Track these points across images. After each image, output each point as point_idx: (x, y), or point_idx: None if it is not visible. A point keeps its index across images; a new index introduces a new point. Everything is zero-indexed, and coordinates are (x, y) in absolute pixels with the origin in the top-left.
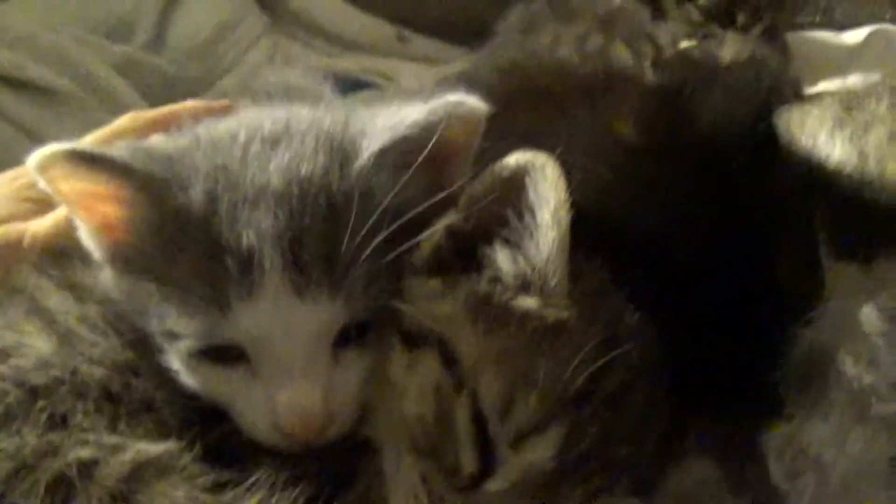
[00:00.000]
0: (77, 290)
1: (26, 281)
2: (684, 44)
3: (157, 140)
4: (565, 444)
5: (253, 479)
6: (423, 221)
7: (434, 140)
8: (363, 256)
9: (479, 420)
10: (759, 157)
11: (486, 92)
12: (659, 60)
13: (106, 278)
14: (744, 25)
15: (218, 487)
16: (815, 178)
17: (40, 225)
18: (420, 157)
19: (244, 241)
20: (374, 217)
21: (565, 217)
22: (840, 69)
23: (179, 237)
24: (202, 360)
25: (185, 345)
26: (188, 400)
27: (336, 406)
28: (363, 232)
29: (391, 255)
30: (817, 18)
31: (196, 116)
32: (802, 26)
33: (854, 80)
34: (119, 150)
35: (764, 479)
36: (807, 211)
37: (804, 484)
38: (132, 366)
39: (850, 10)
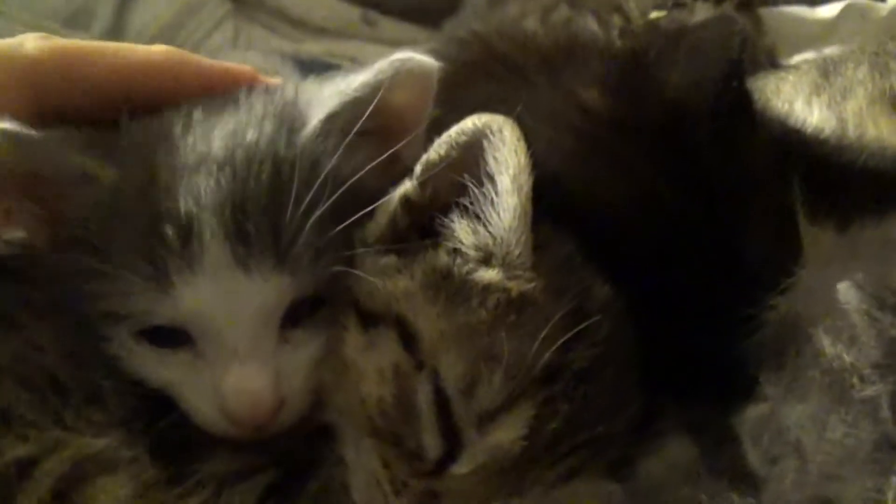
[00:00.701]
0: (20, 276)
1: None
2: (654, 14)
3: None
4: (534, 424)
5: (201, 474)
6: (376, 194)
7: (380, 95)
8: (309, 226)
9: (441, 401)
10: (731, 120)
11: (446, 62)
12: (627, 30)
13: (47, 265)
14: None
15: (165, 482)
16: (791, 143)
17: None
18: (367, 111)
19: (183, 208)
20: (320, 184)
21: (527, 182)
22: (815, 43)
23: (118, 214)
24: (144, 343)
25: (125, 327)
26: (136, 388)
27: (286, 389)
28: (309, 200)
29: (341, 227)
30: None
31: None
32: (776, 2)
33: (830, 52)
34: (54, 134)
35: (739, 463)
36: (783, 176)
37: (784, 469)
38: (78, 354)
39: None
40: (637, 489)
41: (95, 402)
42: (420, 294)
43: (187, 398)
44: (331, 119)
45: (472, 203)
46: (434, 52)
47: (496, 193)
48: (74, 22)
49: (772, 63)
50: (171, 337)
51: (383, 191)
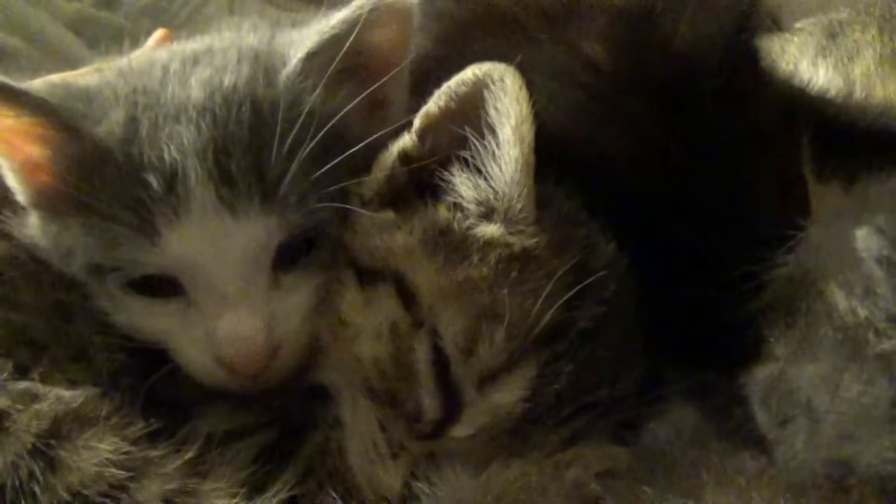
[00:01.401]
0: (7, 237)
1: None
2: None
3: (83, 74)
4: (537, 385)
5: (188, 430)
6: (362, 136)
7: (361, 33)
8: (294, 165)
9: (440, 360)
10: (739, 75)
11: (444, 20)
12: None
13: (33, 223)
14: None
15: (151, 438)
16: (797, 101)
17: None
18: (345, 45)
19: (166, 156)
20: (302, 123)
21: (529, 132)
22: (822, 7)
23: (102, 167)
24: (133, 294)
25: (113, 279)
26: (126, 343)
27: (280, 334)
28: (292, 139)
29: (327, 166)
30: None
31: None
32: None
33: (837, 15)
34: (36, 85)
35: (748, 426)
36: (790, 133)
37: (794, 431)
38: (65, 310)
39: None
40: (643, 452)
41: (81, 358)
42: (419, 250)
43: (180, 348)
44: (311, 57)
45: (472, 156)
46: (432, 11)
47: (497, 146)
48: None
49: (777, 25)
50: (160, 286)
51: (369, 133)
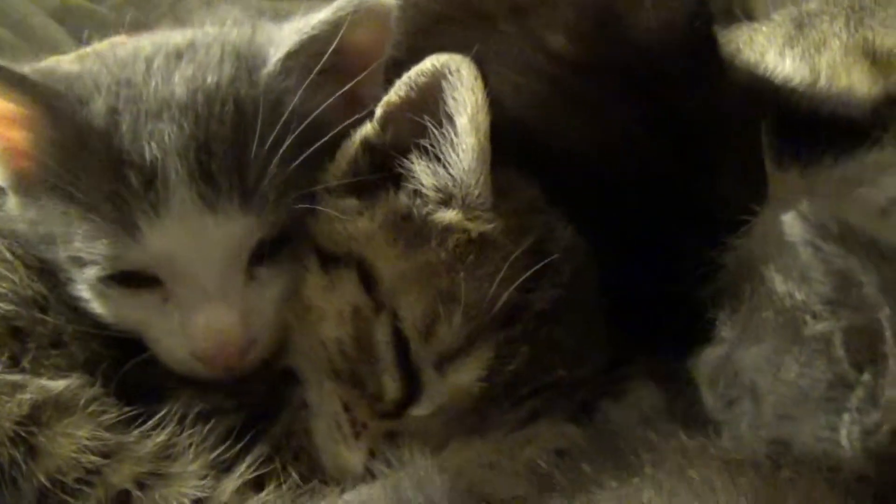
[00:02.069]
0: None
1: None
2: None
3: (67, 60)
4: (494, 365)
5: (161, 413)
6: (338, 135)
7: (341, 34)
8: (274, 164)
9: (400, 342)
10: (699, 64)
11: (418, 12)
12: None
13: (11, 208)
14: None
15: (124, 424)
16: (761, 90)
17: None
18: (328, 51)
19: (147, 153)
20: (283, 122)
21: (484, 121)
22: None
23: (82, 155)
24: (112, 285)
25: (93, 271)
26: (100, 331)
27: (255, 326)
28: (273, 138)
29: (305, 164)
30: None
31: None
32: None
33: (809, 6)
34: (20, 67)
35: (696, 407)
36: (751, 120)
37: (740, 412)
38: (41, 300)
39: None
40: (595, 432)
41: (58, 346)
42: (380, 235)
43: (156, 339)
44: (290, 57)
45: (431, 144)
46: (405, 1)
47: (455, 134)
48: None
49: (746, 15)
50: (138, 278)
51: (344, 133)
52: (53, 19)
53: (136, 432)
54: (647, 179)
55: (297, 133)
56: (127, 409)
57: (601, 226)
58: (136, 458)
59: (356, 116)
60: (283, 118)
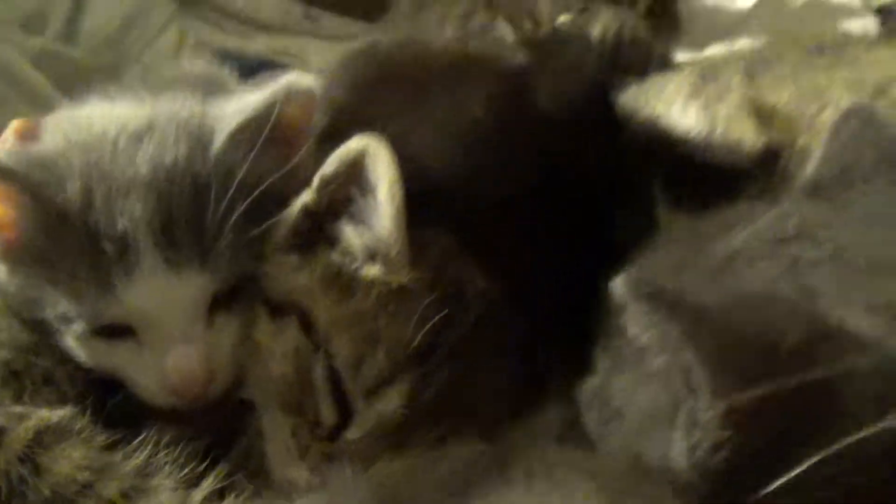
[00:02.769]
0: None
1: None
2: (562, 18)
3: (36, 143)
4: (412, 395)
5: (141, 437)
6: (281, 198)
7: (276, 112)
8: (227, 229)
9: (334, 377)
10: (596, 127)
11: (357, 75)
12: (531, 39)
13: (1, 273)
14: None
15: (111, 446)
16: (664, 140)
17: None
18: (266, 127)
19: (119, 227)
20: (233, 192)
21: (399, 193)
22: (731, 33)
23: (62, 230)
24: (94, 338)
25: (78, 326)
26: (85, 372)
27: (215, 364)
28: (224, 206)
29: (254, 229)
30: None
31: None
32: None
33: (742, 44)
34: (3, 156)
35: (579, 427)
36: (651, 170)
37: (611, 430)
38: (33, 346)
39: None
40: (496, 451)
41: (50, 384)
42: (317, 287)
43: (134, 379)
44: (235, 135)
45: (359, 211)
46: (347, 67)
47: (376, 203)
48: (29, 26)
49: (665, 64)
50: (116, 330)
51: (288, 193)
52: (35, 65)
53: (120, 453)
54: (554, 227)
55: (246, 200)
56: (112, 434)
57: (513, 267)
58: (121, 474)
59: (293, 179)
60: (234, 188)
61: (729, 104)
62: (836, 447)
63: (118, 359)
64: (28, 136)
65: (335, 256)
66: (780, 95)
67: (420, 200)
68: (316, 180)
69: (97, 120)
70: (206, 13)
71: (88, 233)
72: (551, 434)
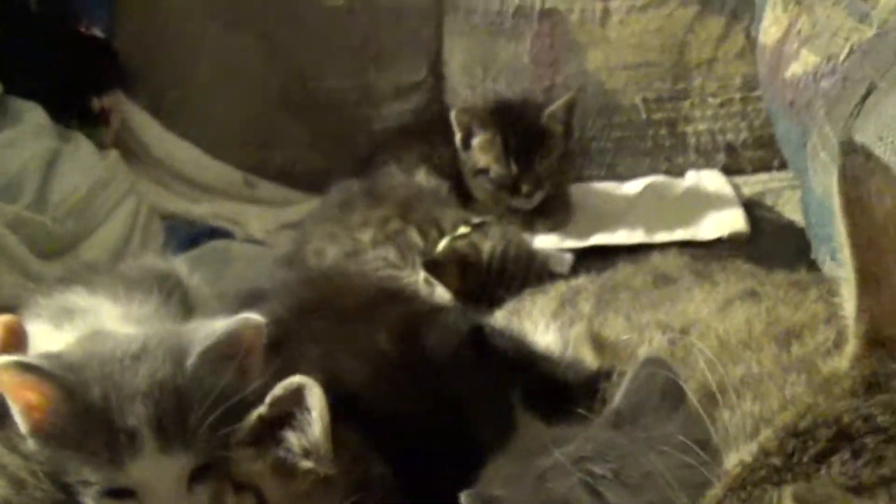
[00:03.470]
0: (21, 453)
1: None
2: (461, 230)
3: (65, 350)
4: None
5: None
6: (241, 400)
7: (233, 341)
8: (204, 425)
9: None
10: (470, 361)
11: (295, 301)
12: (432, 259)
13: (30, 446)
14: (527, 193)
15: None
16: (521, 358)
17: None
18: (231, 353)
19: (129, 422)
20: (212, 398)
21: (326, 415)
22: (620, 216)
23: (86, 420)
24: (106, 498)
25: (94, 489)
26: None
27: None
28: (203, 409)
29: (224, 425)
30: (602, 172)
31: None
32: (590, 178)
33: (621, 235)
34: (43, 361)
35: None
36: (513, 379)
37: None
38: (62, 502)
39: (630, 165)
40: None
41: None
42: (268, 473)
43: None
44: (204, 354)
45: (298, 423)
46: (288, 293)
47: (310, 421)
48: (5, 196)
49: (550, 273)
50: (122, 493)
51: (245, 396)
52: (10, 229)
53: None
54: (434, 432)
55: (217, 404)
56: None
57: (406, 458)
58: None
59: (251, 389)
60: (208, 394)
61: (578, 329)
62: None
63: None
64: (15, 334)
65: (281, 452)
66: (614, 329)
67: (341, 407)
68: (269, 399)
69: (106, 338)
70: (159, 175)
71: (106, 425)
72: None
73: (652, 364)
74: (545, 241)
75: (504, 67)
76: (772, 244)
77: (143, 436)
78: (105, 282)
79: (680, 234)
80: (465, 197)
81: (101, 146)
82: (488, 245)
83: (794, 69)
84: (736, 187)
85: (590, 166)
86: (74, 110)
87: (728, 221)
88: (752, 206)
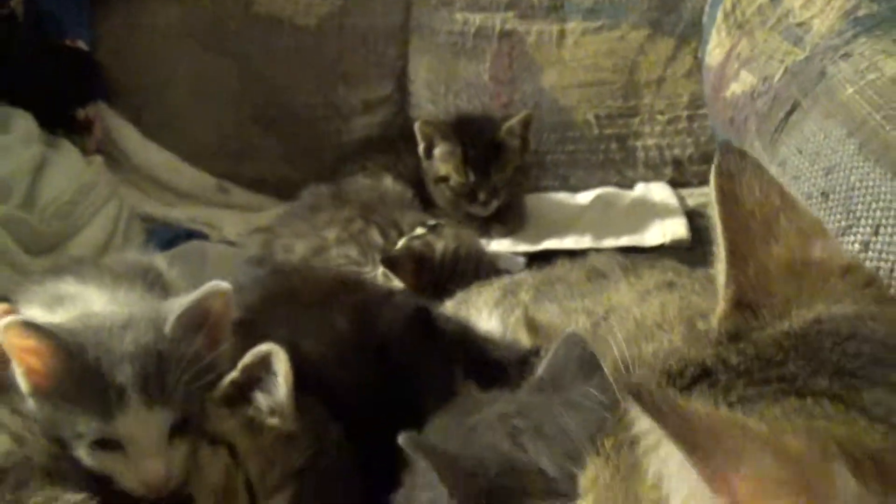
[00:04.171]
0: (20, 413)
1: None
2: (418, 231)
3: (65, 319)
4: (294, 498)
5: None
6: (212, 362)
7: (205, 304)
8: (181, 383)
9: (248, 484)
10: (418, 341)
11: (260, 290)
12: (389, 254)
13: (30, 406)
14: (484, 200)
15: None
16: (465, 341)
17: None
18: (202, 319)
19: (118, 379)
20: (187, 359)
21: (290, 378)
22: (571, 223)
23: (81, 379)
24: (97, 448)
25: (86, 441)
26: (90, 473)
27: (173, 469)
28: (180, 369)
29: (199, 383)
30: (557, 183)
31: None
32: (545, 189)
33: (569, 241)
34: (47, 324)
35: None
36: (458, 358)
37: None
38: (56, 456)
39: (583, 177)
40: None
41: (66, 479)
42: (239, 430)
43: (121, 478)
44: (177, 320)
45: (265, 385)
46: (258, 283)
47: (277, 384)
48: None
49: (496, 270)
50: (110, 444)
51: (216, 361)
52: (3, 228)
53: None
54: (385, 401)
55: (192, 364)
56: None
57: (357, 423)
58: None
59: (222, 349)
60: (184, 356)
61: (516, 315)
62: None
63: (111, 464)
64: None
65: (251, 411)
66: (547, 315)
67: (303, 379)
68: (240, 365)
69: (99, 315)
70: (138, 181)
71: (99, 382)
72: None
73: (571, 339)
74: (500, 245)
75: (465, 84)
76: (711, 251)
77: (130, 392)
78: (93, 272)
79: (625, 241)
80: (427, 203)
81: (85, 153)
82: (441, 244)
83: (734, 88)
84: (681, 199)
85: (545, 178)
86: (60, 119)
87: (671, 229)
88: (695, 216)
